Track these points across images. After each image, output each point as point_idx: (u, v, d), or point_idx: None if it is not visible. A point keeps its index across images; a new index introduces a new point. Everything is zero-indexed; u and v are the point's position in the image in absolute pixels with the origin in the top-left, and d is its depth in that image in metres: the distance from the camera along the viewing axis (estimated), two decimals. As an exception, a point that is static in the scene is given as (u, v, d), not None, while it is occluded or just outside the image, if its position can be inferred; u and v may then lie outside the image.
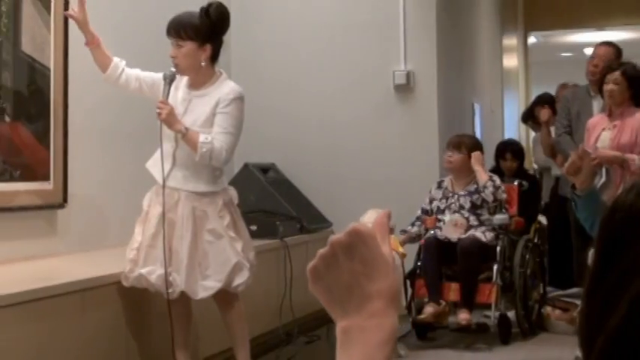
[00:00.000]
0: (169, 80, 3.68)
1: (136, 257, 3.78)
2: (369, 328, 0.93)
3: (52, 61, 4.47)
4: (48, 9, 4.45)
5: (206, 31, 3.71)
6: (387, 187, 6.02)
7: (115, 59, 3.91)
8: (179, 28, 3.71)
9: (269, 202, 5.69)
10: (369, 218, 4.91)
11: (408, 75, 6.13)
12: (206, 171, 3.77)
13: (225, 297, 3.85)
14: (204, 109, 3.74)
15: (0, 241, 4.20)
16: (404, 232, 5.39)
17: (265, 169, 6.10)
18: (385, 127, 6.19)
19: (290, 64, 6.31)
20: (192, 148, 3.65)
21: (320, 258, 0.97)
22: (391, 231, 4.89)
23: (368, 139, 6.22)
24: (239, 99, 3.79)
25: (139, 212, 5.20)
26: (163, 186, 3.73)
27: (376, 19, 6.22)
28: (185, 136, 3.64)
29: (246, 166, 5.96)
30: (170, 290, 3.71)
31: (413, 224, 5.47)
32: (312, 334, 5.32)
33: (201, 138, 3.63)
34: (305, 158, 6.31)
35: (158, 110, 3.60)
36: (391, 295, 0.95)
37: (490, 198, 5.30)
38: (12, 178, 4.23)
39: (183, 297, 3.81)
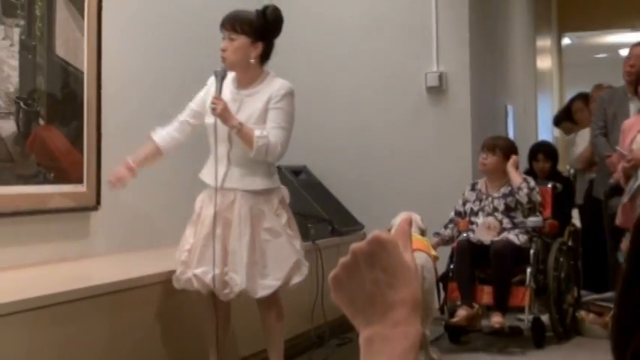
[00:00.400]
0: (221, 77, 3.69)
1: (188, 259, 3.78)
2: (393, 336, 0.92)
3: (85, 64, 4.50)
4: (81, 12, 4.49)
5: (260, 29, 3.74)
6: (420, 189, 6.00)
7: (157, 139, 3.93)
8: (234, 22, 3.73)
9: (301, 205, 5.68)
10: (400, 221, 4.89)
11: (441, 77, 6.10)
12: (261, 169, 3.78)
13: (267, 297, 3.84)
14: (257, 106, 3.75)
15: (34, 243, 4.24)
16: (437, 234, 5.36)
17: (297, 172, 6.10)
18: (417, 129, 6.17)
19: (322, 66, 6.30)
20: (247, 143, 3.65)
21: (342, 267, 0.96)
22: (423, 233, 4.87)
23: (400, 141, 6.20)
24: (290, 94, 3.81)
25: (172, 214, 5.24)
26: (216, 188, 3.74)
27: (408, 21, 6.20)
28: (240, 131, 3.63)
29: (278, 168, 5.94)
30: (227, 291, 3.71)
31: (446, 227, 5.44)
32: (344, 336, 5.31)
33: (257, 132, 3.65)
34: (337, 160, 6.30)
35: (212, 106, 3.60)
36: (414, 303, 0.94)
37: (525, 199, 5.25)
38: (46, 181, 4.26)
39: (216, 297, 3.81)
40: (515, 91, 8.36)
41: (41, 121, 4.24)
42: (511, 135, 7.47)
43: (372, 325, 0.94)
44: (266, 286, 3.76)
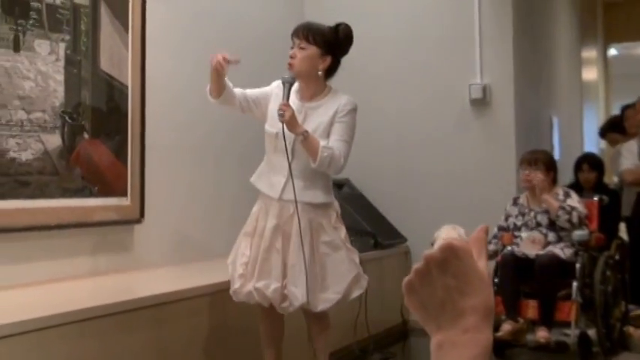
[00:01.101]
0: (289, 84, 3.67)
1: (246, 272, 3.77)
2: (463, 343, 0.94)
3: (129, 78, 4.55)
4: (126, 28, 4.54)
5: (332, 43, 3.77)
6: (463, 203, 5.95)
7: (228, 88, 3.83)
8: (308, 31, 3.75)
9: (344, 218, 5.65)
10: (445, 234, 4.84)
11: (485, 89, 6.05)
12: (321, 182, 3.79)
13: (317, 313, 3.81)
14: (323, 119, 3.75)
15: (79, 255, 4.28)
16: (480, 250, 5.29)
17: (340, 185, 6.09)
18: (461, 142, 6.12)
19: (364, 78, 6.29)
20: (312, 152, 3.64)
21: (415, 273, 0.98)
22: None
23: (443, 154, 6.16)
24: (355, 110, 3.83)
25: (215, 227, 5.27)
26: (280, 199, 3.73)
27: (451, 33, 6.17)
28: (306, 140, 3.62)
29: (320, 181, 5.95)
30: (286, 304, 3.70)
31: (489, 242, 5.39)
32: (387, 350, 5.28)
33: (322, 143, 3.65)
34: (380, 173, 6.28)
35: (280, 112, 3.58)
36: (485, 310, 0.96)
37: (566, 225, 5.19)
38: (91, 194, 4.31)
39: (274, 311, 3.78)
40: (560, 103, 8.27)
41: (86, 135, 4.29)
42: (556, 147, 7.39)
43: (442, 330, 0.95)
44: (326, 299, 3.74)
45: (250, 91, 3.93)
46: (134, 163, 4.58)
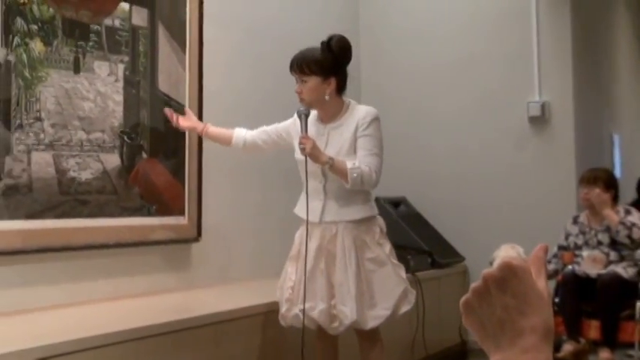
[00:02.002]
0: (305, 116, 3.67)
1: (292, 296, 3.76)
2: None
3: (186, 98, 4.59)
4: (183, 48, 4.58)
5: (329, 65, 3.72)
6: (522, 222, 5.87)
7: (236, 131, 4.01)
8: (302, 64, 3.72)
9: (400, 236, 5.63)
10: (504, 253, 4.78)
11: (543, 106, 5.98)
12: (358, 198, 3.76)
13: (369, 330, 3.79)
14: (345, 136, 3.73)
15: (138, 274, 4.32)
16: (540, 269, 5.20)
17: (396, 203, 6.06)
18: (519, 160, 6.05)
19: (422, 95, 6.27)
20: (341, 176, 3.63)
21: (473, 292, 0.98)
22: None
23: (501, 173, 6.09)
24: (376, 120, 3.78)
25: (272, 246, 5.27)
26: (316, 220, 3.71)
27: (510, 50, 6.11)
28: (333, 167, 3.61)
29: (377, 200, 5.93)
30: (336, 324, 3.68)
31: (549, 261, 5.30)
32: (445, 371, 5.21)
33: (349, 164, 3.62)
34: (436, 191, 6.24)
35: (301, 145, 3.58)
36: (545, 330, 0.94)
37: (626, 241, 5.08)
38: (149, 214, 4.35)
39: (327, 332, 3.77)
40: (621, 120, 8.13)
41: (144, 155, 4.34)
42: (617, 165, 7.26)
43: (501, 350, 0.94)
44: (375, 316, 3.71)
45: (271, 128, 3.98)
46: (191, 183, 4.61)
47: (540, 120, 6.00)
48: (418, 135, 6.29)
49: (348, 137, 3.72)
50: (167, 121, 4.45)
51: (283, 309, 3.79)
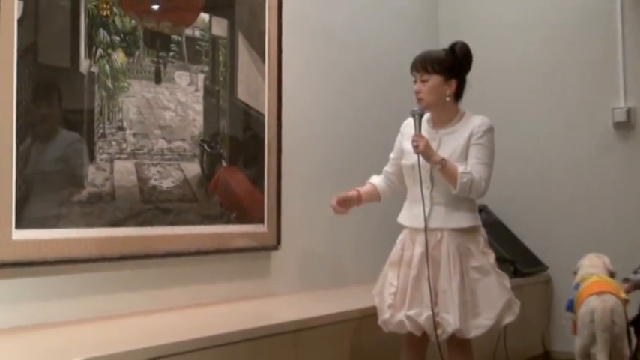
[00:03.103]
0: (419, 116, 3.65)
1: (395, 301, 3.73)
2: None
3: (266, 107, 4.62)
4: (262, 57, 4.61)
5: (452, 66, 3.71)
6: (606, 230, 5.73)
7: (378, 187, 4.00)
8: (426, 62, 3.70)
9: (481, 245, 5.56)
10: (589, 262, 4.67)
11: (629, 112, 5.83)
12: (465, 206, 3.73)
13: (460, 340, 3.73)
14: (458, 143, 3.70)
15: (218, 281, 4.36)
16: (626, 280, 5.03)
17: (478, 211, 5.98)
18: (604, 167, 5.91)
19: (504, 103, 6.18)
20: (451, 179, 3.60)
21: None
22: (612, 275, 4.63)
23: (585, 179, 5.96)
24: (491, 130, 3.76)
25: (352, 253, 5.27)
26: (425, 228, 3.66)
27: (593, 56, 5.97)
28: (444, 168, 3.58)
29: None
30: (439, 331, 3.64)
31: (635, 272, 5.14)
32: (528, 382, 5.12)
33: (460, 168, 3.60)
34: (518, 199, 6.14)
35: (415, 143, 3.56)
36: None
37: None
38: (229, 221, 4.38)
39: (423, 338, 3.74)
40: None
41: (224, 163, 4.37)
42: None
43: None
44: (478, 325, 3.66)
45: (391, 159, 3.99)
46: (270, 191, 4.64)
47: (626, 126, 5.85)
48: (499, 141, 6.13)
49: (461, 144, 3.69)
50: (246, 129, 4.49)
51: (387, 315, 3.74)
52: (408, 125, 3.80)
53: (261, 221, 4.59)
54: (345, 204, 3.90)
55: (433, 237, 3.66)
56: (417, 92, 3.71)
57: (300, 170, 4.89)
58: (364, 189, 3.98)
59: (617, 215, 5.80)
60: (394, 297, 3.73)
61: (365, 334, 4.07)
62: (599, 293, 4.31)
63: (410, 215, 3.77)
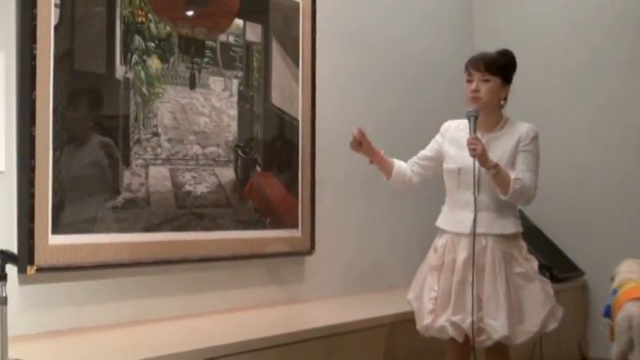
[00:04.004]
0: (474, 117, 3.61)
1: (436, 307, 3.71)
2: None
3: (300, 112, 4.62)
4: (296, 62, 4.62)
5: (509, 71, 3.73)
6: (644, 235, 5.66)
7: (396, 164, 3.88)
8: (489, 63, 3.69)
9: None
10: (627, 268, 4.62)
11: (666, 114, 5.77)
12: (509, 212, 3.72)
13: (501, 347, 3.72)
14: (506, 148, 3.68)
15: (253, 286, 4.36)
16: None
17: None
18: (640, 170, 5.85)
19: (539, 105, 6.12)
20: (502, 185, 3.57)
21: None
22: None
23: (621, 183, 5.88)
24: (537, 137, 3.75)
25: (386, 258, 5.25)
26: (474, 233, 3.63)
27: (629, 57, 5.91)
28: (498, 173, 3.55)
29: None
30: (483, 337, 3.62)
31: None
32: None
33: (513, 174, 3.58)
34: (553, 203, 6.06)
35: (471, 146, 3.52)
36: None
37: None
38: (263, 227, 4.39)
39: (467, 344, 3.69)
40: None
41: (258, 169, 4.38)
42: None
43: None
44: (524, 332, 3.65)
45: (422, 154, 3.90)
46: (305, 196, 4.64)
47: (663, 129, 5.79)
48: (534, 146, 6.14)
49: (509, 149, 3.67)
50: (280, 134, 4.50)
51: (428, 320, 3.71)
52: (452, 128, 3.79)
53: (296, 226, 4.59)
54: (364, 142, 3.77)
55: (477, 242, 3.63)
56: (475, 91, 3.67)
57: (332, 174, 4.88)
58: (386, 157, 3.87)
59: (655, 220, 5.73)
60: (435, 302, 3.70)
61: (399, 339, 4.06)
62: (638, 299, 4.26)
63: (451, 220, 3.75)
